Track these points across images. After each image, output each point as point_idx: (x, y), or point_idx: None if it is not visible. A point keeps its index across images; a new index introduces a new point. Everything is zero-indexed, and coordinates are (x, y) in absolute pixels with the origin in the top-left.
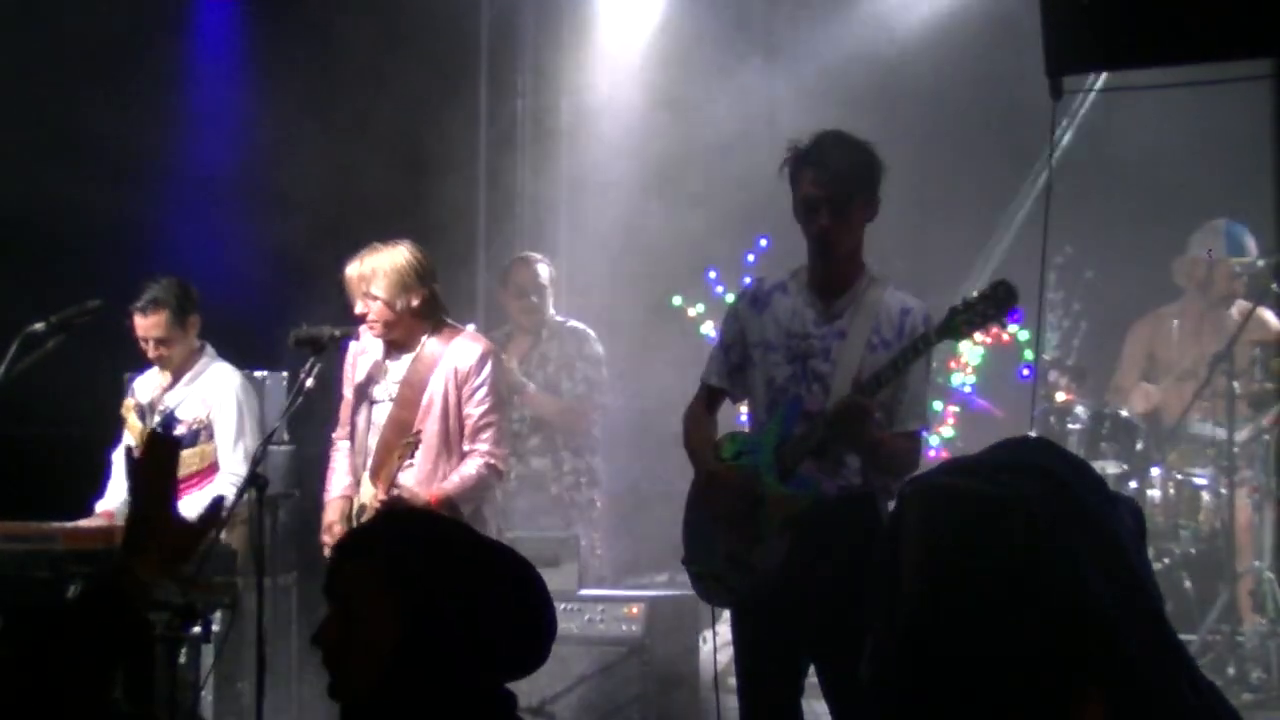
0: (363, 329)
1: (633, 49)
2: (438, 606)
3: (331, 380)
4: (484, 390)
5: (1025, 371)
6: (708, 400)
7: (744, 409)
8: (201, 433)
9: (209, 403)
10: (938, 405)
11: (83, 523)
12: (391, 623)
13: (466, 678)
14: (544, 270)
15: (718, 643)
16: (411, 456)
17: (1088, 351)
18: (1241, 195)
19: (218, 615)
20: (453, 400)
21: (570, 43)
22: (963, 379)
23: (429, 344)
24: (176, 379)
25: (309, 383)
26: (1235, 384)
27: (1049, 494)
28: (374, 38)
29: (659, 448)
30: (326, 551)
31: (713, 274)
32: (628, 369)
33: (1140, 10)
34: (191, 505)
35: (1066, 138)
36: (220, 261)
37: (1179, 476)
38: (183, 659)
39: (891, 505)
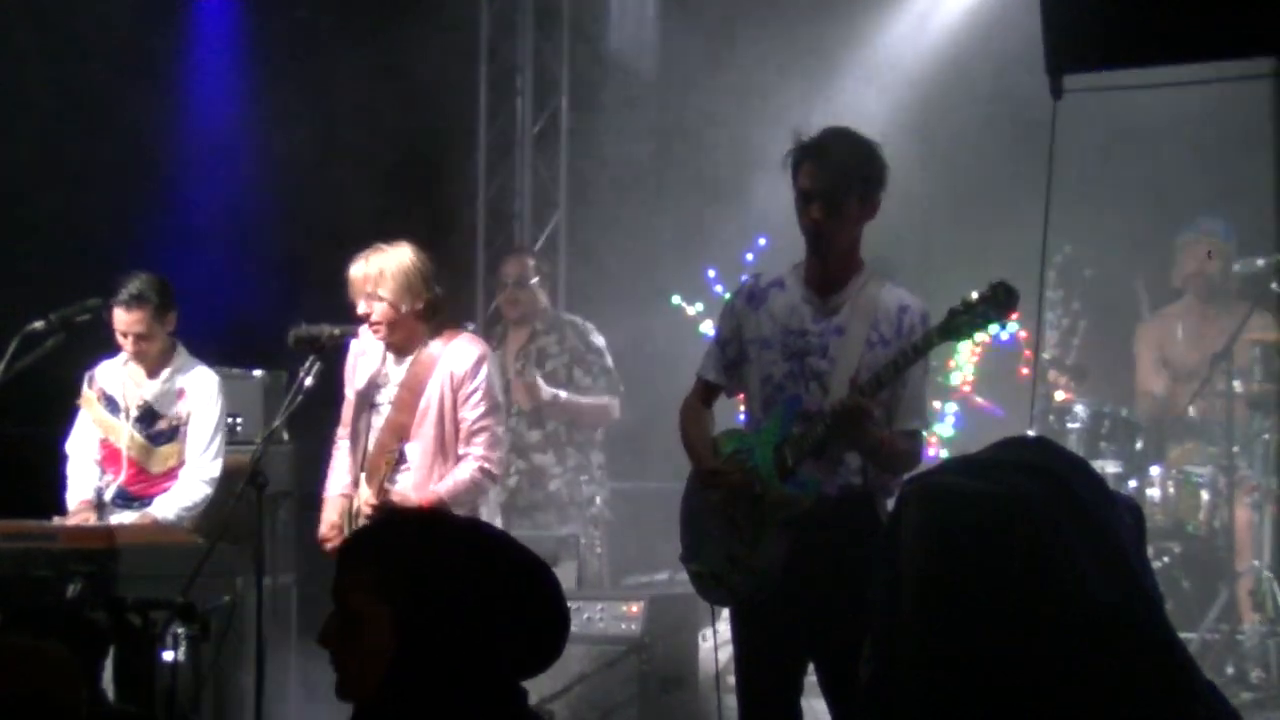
0: (363, 329)
1: (634, 49)
2: (436, 607)
3: (331, 379)
4: (479, 394)
5: (1024, 370)
6: (704, 395)
7: (743, 407)
8: (180, 429)
9: (189, 402)
10: (937, 404)
11: (81, 521)
12: (390, 625)
13: (472, 676)
14: (531, 263)
15: (718, 641)
16: (397, 468)
17: (1087, 350)
18: (1240, 194)
19: (218, 612)
20: (448, 404)
21: (571, 41)
22: (962, 377)
23: (428, 347)
24: (152, 374)
25: (308, 382)
26: (1236, 384)
27: (1049, 493)
28: (373, 37)
29: (658, 445)
30: (327, 549)
31: (711, 273)
32: (626, 367)
33: (1141, 8)
34: (161, 505)
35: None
36: (216, 259)
37: (1179, 475)
38: (181, 658)
39: (891, 504)
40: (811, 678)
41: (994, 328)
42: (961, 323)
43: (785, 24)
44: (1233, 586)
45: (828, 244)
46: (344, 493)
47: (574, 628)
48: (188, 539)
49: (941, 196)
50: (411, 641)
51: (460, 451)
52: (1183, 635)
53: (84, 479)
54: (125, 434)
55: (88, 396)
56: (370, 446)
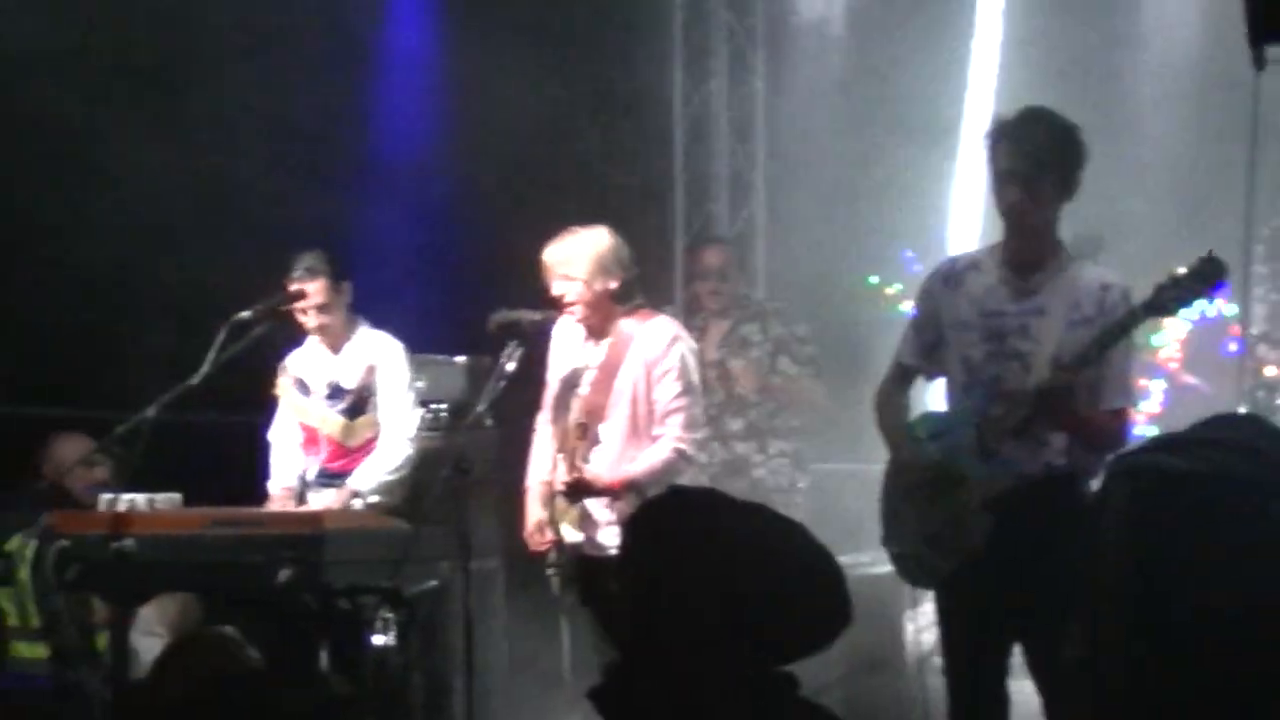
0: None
1: (828, 32)
2: (690, 594)
3: (533, 365)
4: (672, 374)
5: (1233, 346)
6: (900, 378)
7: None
8: (369, 400)
9: (374, 370)
10: (1144, 382)
11: (285, 505)
12: (632, 607)
13: (734, 662)
14: (731, 253)
15: (922, 623)
16: (591, 448)
17: None
18: None
19: (424, 598)
20: (641, 385)
21: (767, 25)
22: (1169, 356)
23: (623, 329)
24: (336, 350)
25: (510, 367)
26: None
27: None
28: (567, 27)
29: (858, 426)
30: (532, 547)
31: (909, 253)
32: (824, 349)
33: None
34: (361, 475)
35: None
36: (416, 245)
37: None
38: (390, 641)
39: (1094, 485)
40: (1018, 658)
41: (1202, 303)
42: (1168, 299)
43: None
44: None
45: (1024, 225)
46: (544, 479)
47: None
48: (394, 525)
49: (1148, 172)
50: (651, 624)
51: (655, 432)
52: None
53: (286, 466)
54: (318, 413)
55: (282, 385)
56: (569, 427)
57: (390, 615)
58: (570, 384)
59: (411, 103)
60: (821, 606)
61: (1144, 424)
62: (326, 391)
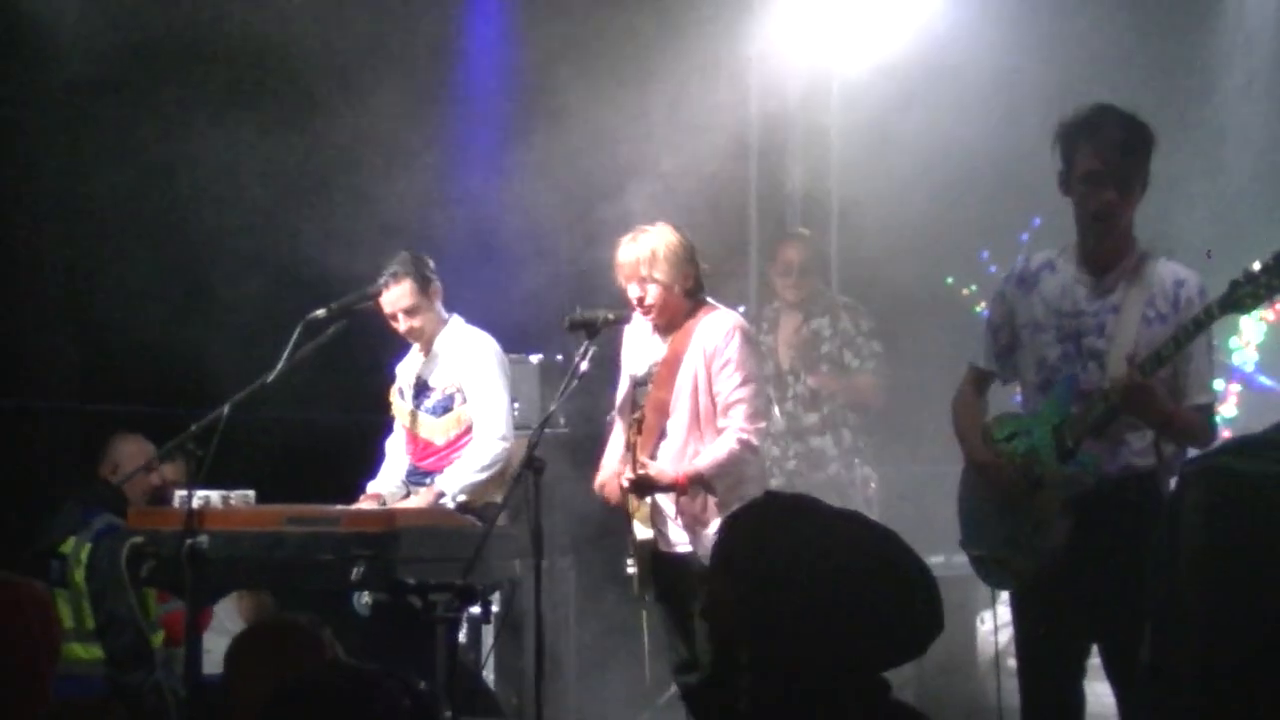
0: (636, 311)
1: (901, 30)
2: (786, 601)
3: (606, 364)
4: (732, 366)
5: None
6: (976, 382)
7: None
8: (456, 396)
9: (461, 366)
10: (1219, 384)
11: (364, 505)
12: (728, 609)
13: (830, 668)
14: (809, 246)
15: (997, 624)
16: (658, 443)
17: None
18: None
19: (496, 596)
20: (703, 378)
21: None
22: (1244, 358)
23: (687, 323)
24: (428, 350)
25: (584, 366)
26: None
27: None
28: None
29: (931, 427)
30: (603, 492)
31: (985, 254)
32: (898, 348)
33: None
34: (449, 475)
35: None
36: (490, 243)
37: None
38: (463, 638)
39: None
40: (1094, 661)
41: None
42: (1244, 295)
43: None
44: None
45: (1114, 223)
46: (616, 470)
47: None
48: (466, 523)
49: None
50: (747, 630)
51: (719, 425)
52: None
53: (388, 472)
54: (410, 414)
55: (392, 392)
56: (628, 423)
57: (463, 612)
58: (639, 381)
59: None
60: (916, 614)
61: (1219, 427)
62: (414, 390)
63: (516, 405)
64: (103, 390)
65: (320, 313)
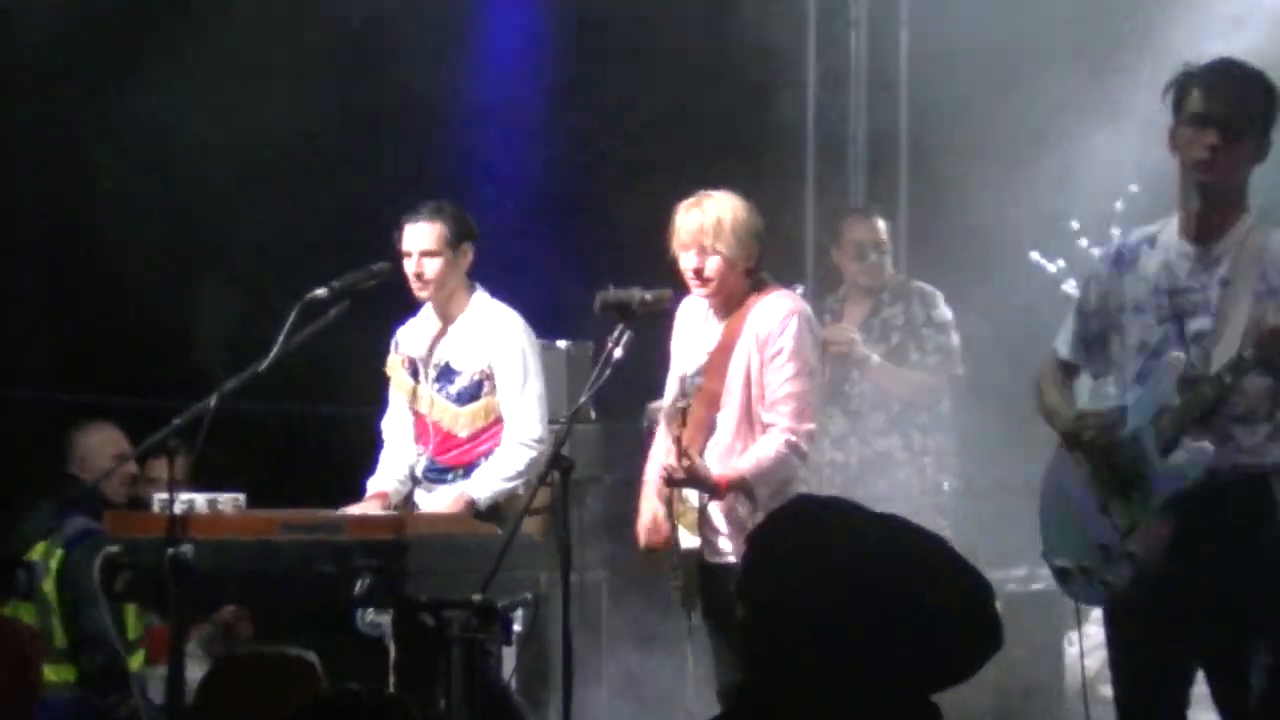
0: (684, 294)
1: None
2: (817, 614)
3: (644, 350)
4: (784, 355)
5: None
6: (1058, 371)
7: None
8: (485, 384)
9: (490, 349)
10: None
11: (370, 509)
12: (768, 634)
13: (868, 691)
14: (882, 225)
15: (1086, 646)
16: (707, 439)
17: None
18: None
19: (519, 615)
20: (754, 367)
21: None
22: None
23: (743, 307)
24: (448, 324)
25: (617, 353)
26: None
27: None
28: None
29: (1014, 424)
30: (645, 543)
31: (1075, 224)
32: (976, 335)
33: None
34: (479, 480)
35: None
36: (514, 218)
37: None
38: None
39: None
40: (1200, 687)
41: None
42: None
43: None
44: None
45: (1217, 179)
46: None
47: None
48: (485, 531)
49: None
50: (776, 647)
51: (765, 420)
52: None
53: (392, 463)
54: (427, 397)
55: (392, 363)
56: (673, 413)
57: (481, 632)
58: (691, 370)
59: (513, 58)
60: (967, 630)
61: None
62: (435, 372)
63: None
64: (78, 378)
65: (320, 292)
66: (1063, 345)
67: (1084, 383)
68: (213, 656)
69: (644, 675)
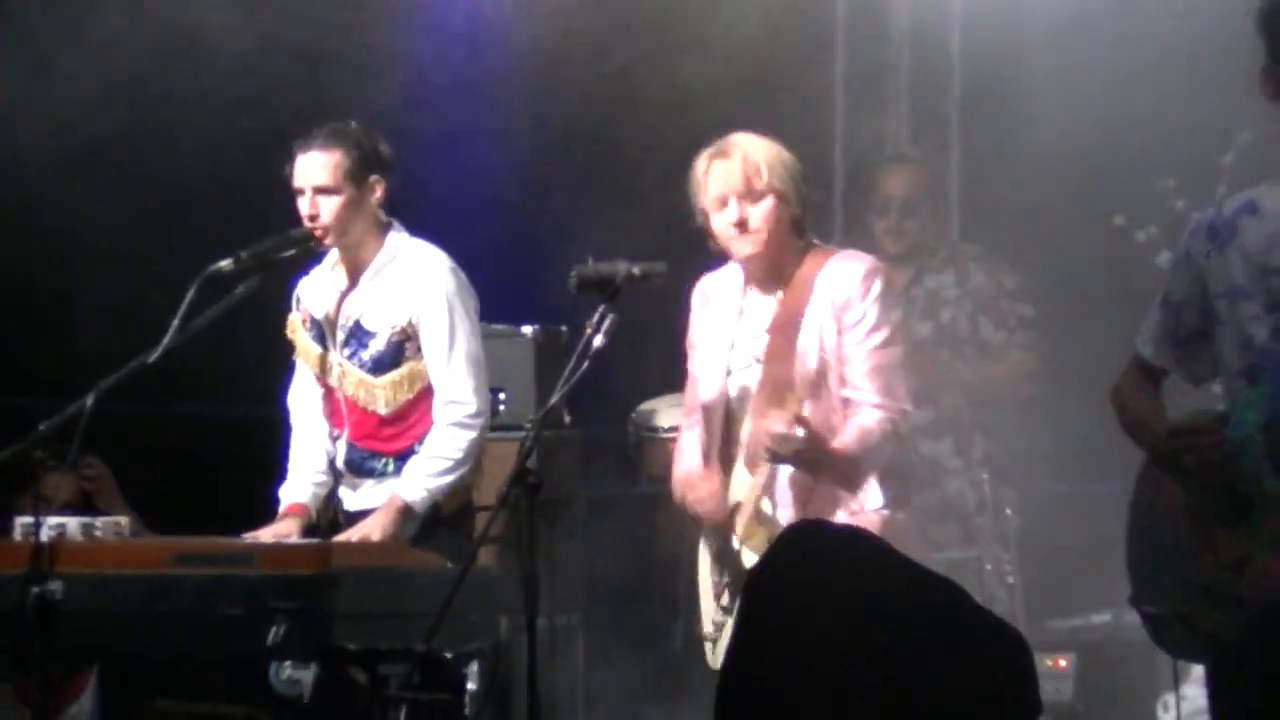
0: (711, 273)
1: None
2: (805, 670)
3: (636, 337)
4: (869, 322)
5: None
6: (1143, 377)
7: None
8: (405, 345)
9: (408, 300)
10: None
11: (285, 532)
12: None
13: None
14: (919, 175)
15: (1185, 710)
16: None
17: None
18: None
19: (474, 669)
20: (831, 339)
21: None
22: None
23: (801, 273)
24: (357, 275)
25: (598, 341)
26: None
27: None
28: None
29: (1093, 432)
30: (700, 508)
31: (1170, 182)
32: (1049, 315)
33: None
34: (414, 470)
35: None
36: (471, 183)
37: None
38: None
39: None
40: None
41: None
42: None
43: None
44: None
45: None
46: (707, 472)
47: None
48: (431, 562)
49: None
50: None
51: (853, 397)
52: None
53: (307, 457)
54: (337, 367)
55: (293, 322)
56: (745, 420)
57: (426, 691)
58: (739, 359)
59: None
60: (991, 695)
61: None
62: (344, 335)
63: (503, 395)
64: None
65: (225, 264)
66: (1146, 344)
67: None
68: None
69: None
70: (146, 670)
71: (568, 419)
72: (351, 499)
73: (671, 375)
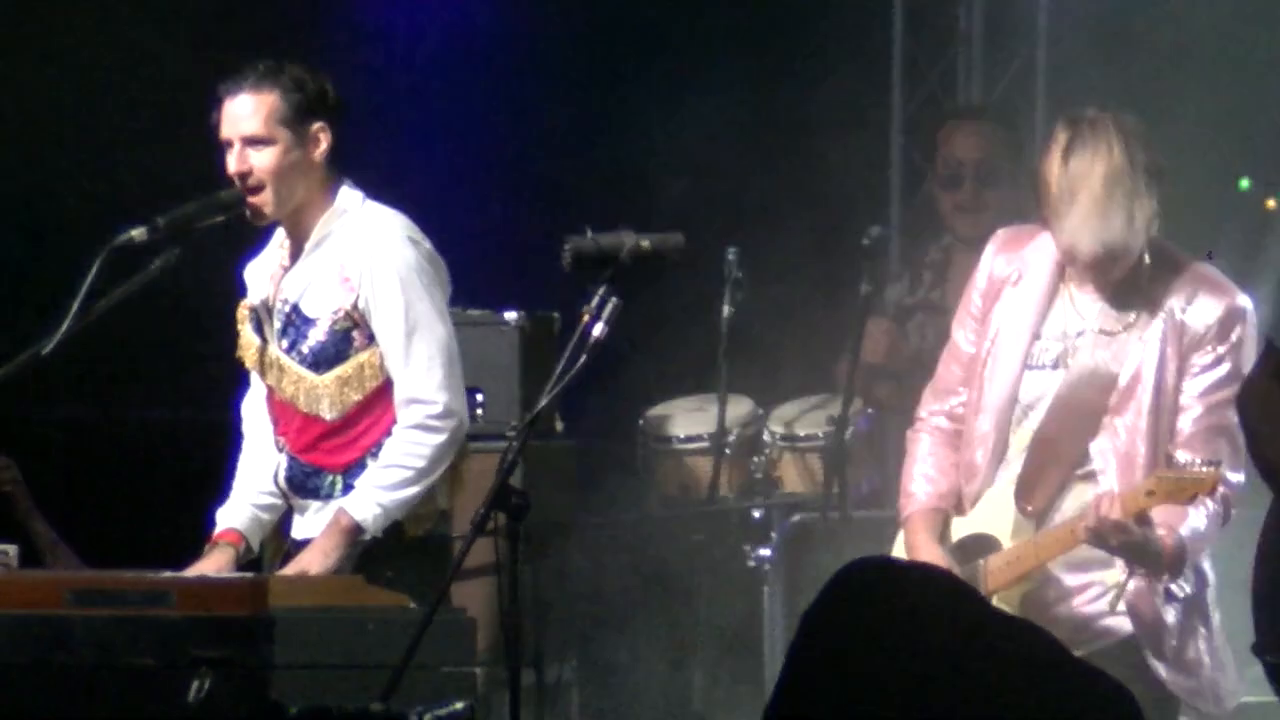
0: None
1: None
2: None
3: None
4: (1224, 370)
5: None
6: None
7: None
8: (352, 334)
9: (355, 278)
10: None
11: (213, 565)
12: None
13: None
14: (993, 134)
15: None
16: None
17: None
18: None
19: None
20: (1171, 372)
21: None
22: None
23: (1151, 277)
24: (298, 246)
25: (598, 331)
26: None
27: None
28: None
29: None
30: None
31: None
32: None
33: None
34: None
35: None
36: (449, 153)
37: None
38: None
39: None
40: None
41: None
42: None
43: None
44: None
45: None
46: (936, 506)
47: None
48: (390, 601)
49: None
50: None
51: (1179, 456)
52: None
53: (254, 475)
54: (274, 363)
55: (241, 311)
56: (1018, 440)
57: None
58: (1020, 355)
59: None
60: None
61: None
62: (280, 323)
63: (481, 397)
64: None
65: (137, 233)
66: None
67: None
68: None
69: None
70: None
71: (560, 426)
72: (299, 525)
73: (688, 373)
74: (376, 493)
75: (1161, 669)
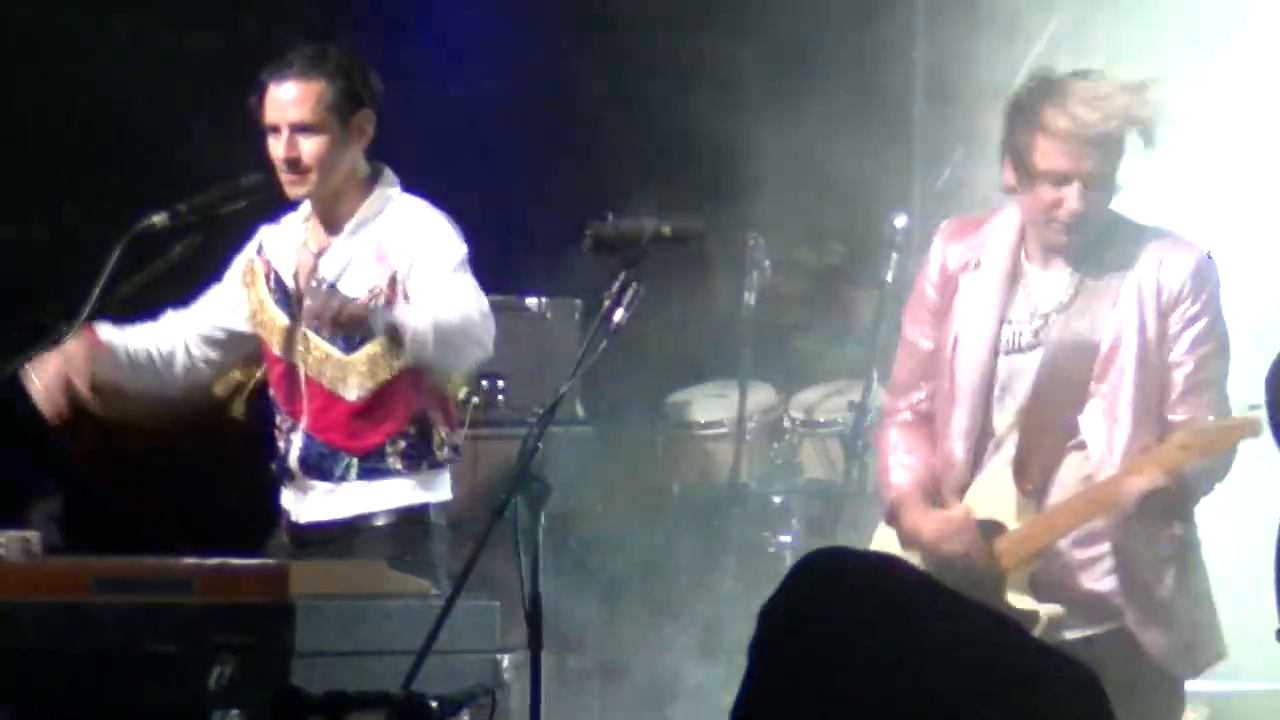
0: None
1: None
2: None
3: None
4: (1205, 324)
5: None
6: None
7: None
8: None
9: (395, 251)
10: None
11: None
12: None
13: None
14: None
15: None
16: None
17: None
18: None
19: (465, 718)
20: (1153, 335)
21: None
22: None
23: (1114, 241)
24: (334, 228)
25: (619, 316)
26: None
27: None
28: None
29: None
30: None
31: None
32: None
33: None
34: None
35: None
36: (463, 115)
37: None
38: None
39: None
40: None
41: None
42: None
43: None
44: None
45: None
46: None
47: None
48: (411, 586)
49: None
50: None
51: (1173, 418)
52: None
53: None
54: (301, 339)
55: (250, 268)
56: (1001, 421)
57: None
58: (1014, 337)
59: None
60: None
61: None
62: (307, 294)
63: (502, 383)
64: None
65: (158, 219)
66: None
67: None
68: None
69: None
70: None
71: (581, 412)
72: (300, 507)
73: (709, 359)
74: (431, 310)
75: (1155, 637)
